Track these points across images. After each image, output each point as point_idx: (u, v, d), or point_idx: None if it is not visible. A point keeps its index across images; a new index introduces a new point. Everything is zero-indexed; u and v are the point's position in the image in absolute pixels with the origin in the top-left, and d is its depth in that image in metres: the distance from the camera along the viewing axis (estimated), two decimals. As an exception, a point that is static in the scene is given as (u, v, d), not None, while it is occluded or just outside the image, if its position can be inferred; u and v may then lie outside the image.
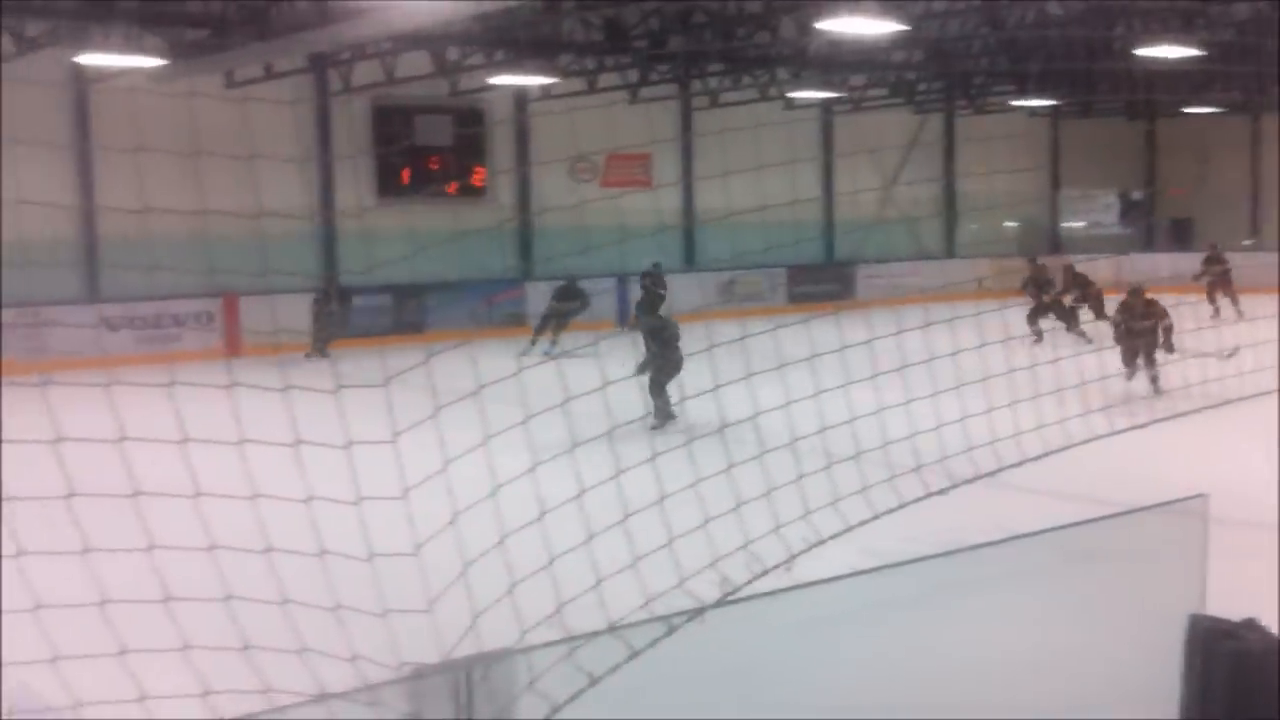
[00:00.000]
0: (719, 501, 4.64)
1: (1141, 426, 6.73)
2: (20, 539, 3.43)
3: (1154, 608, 5.00)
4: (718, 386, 4.80)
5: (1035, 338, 19.16)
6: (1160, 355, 15.67)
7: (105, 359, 18.78)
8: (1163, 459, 10.69)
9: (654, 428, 13.71)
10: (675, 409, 13.77)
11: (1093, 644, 5.24)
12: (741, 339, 5.16)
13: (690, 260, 27.52)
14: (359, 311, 22.78)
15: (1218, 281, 23.21)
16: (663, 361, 14.20)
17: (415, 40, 20.29)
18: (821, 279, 28.55)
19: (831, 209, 29.40)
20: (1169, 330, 15.73)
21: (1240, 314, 21.26)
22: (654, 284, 22.15)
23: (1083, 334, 19.56)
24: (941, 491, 5.18)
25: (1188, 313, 18.10)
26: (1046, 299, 20.60)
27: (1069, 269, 21.84)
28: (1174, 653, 4.85)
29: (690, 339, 13.48)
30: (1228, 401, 7.18)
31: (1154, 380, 15.29)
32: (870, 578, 5.05)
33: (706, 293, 25.25)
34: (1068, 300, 20.75)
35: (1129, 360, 15.66)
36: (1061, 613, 5.24)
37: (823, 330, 5.63)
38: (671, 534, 4.32)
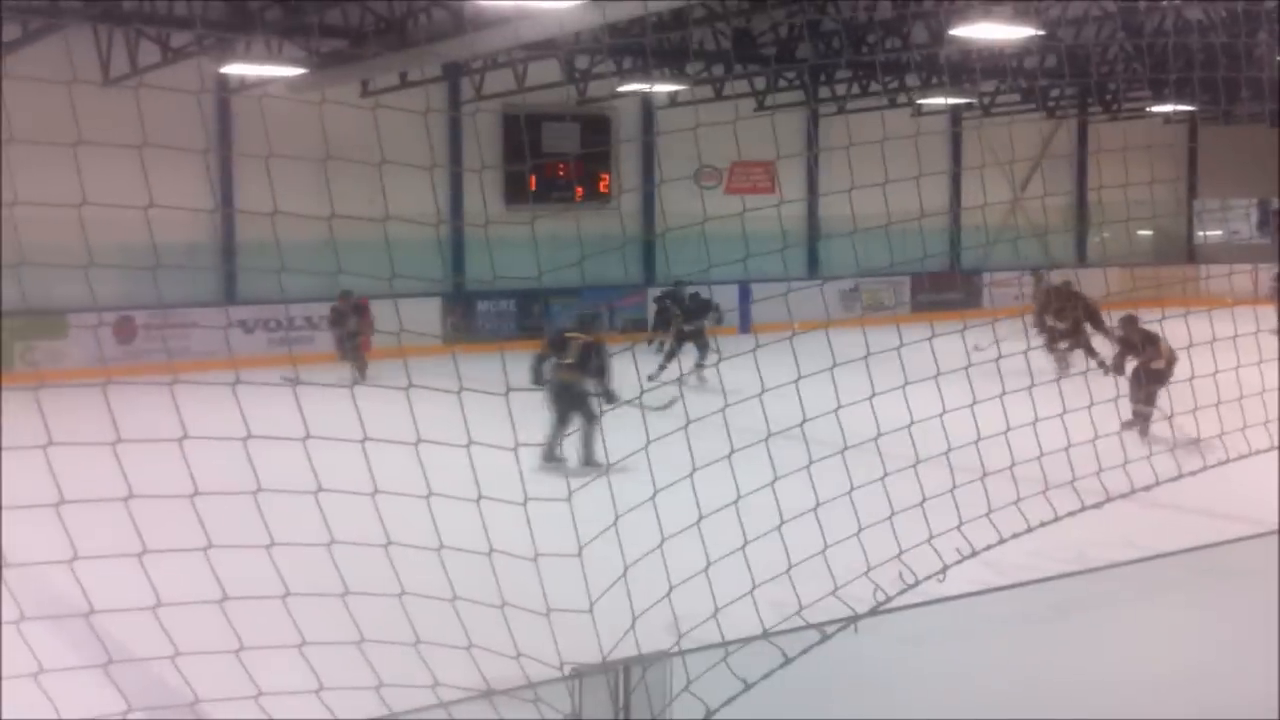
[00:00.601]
0: (866, 514, 4.65)
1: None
2: (146, 537, 3.54)
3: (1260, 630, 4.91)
4: (839, 406, 4.80)
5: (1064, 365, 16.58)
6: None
7: (235, 360, 19.27)
8: None
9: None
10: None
11: (1228, 662, 5.16)
12: (865, 356, 5.09)
13: (813, 269, 27.42)
14: (484, 315, 23.09)
15: None
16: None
17: (545, 49, 20.53)
18: (946, 287, 28.23)
19: (959, 217, 29.06)
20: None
21: None
22: (672, 304, 20.23)
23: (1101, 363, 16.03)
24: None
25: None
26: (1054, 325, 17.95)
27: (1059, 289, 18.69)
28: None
29: (811, 348, 13.23)
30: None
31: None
32: (1009, 593, 5.03)
33: (830, 302, 25.12)
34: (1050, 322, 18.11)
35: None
36: (1197, 630, 5.19)
37: (948, 342, 5.56)
38: (825, 543, 4.35)
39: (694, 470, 4.13)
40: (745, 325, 24.14)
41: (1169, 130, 32.20)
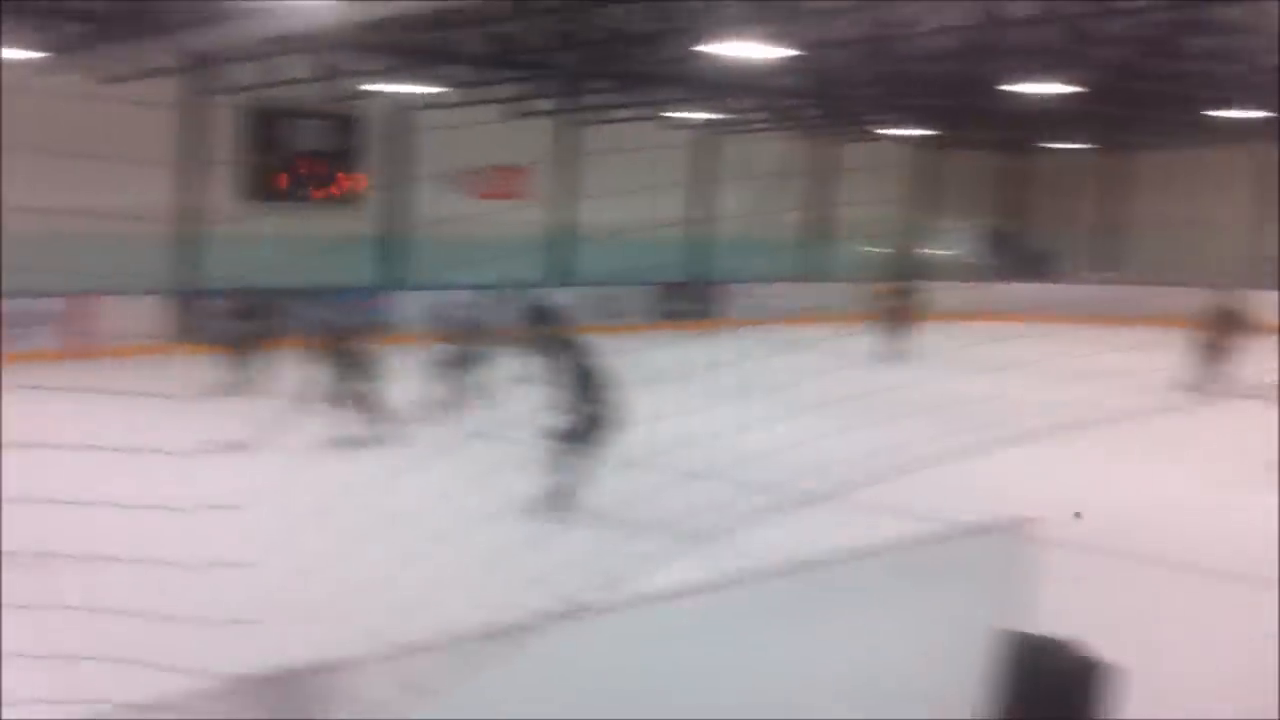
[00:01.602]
0: (565, 517, 4.74)
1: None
2: None
3: (980, 626, 5.23)
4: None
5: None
6: None
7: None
8: (1001, 479, 10.86)
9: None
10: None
11: (921, 661, 5.45)
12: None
13: (567, 276, 27.63)
14: (212, 315, 22.40)
15: None
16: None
17: (297, 44, 20.08)
18: (692, 298, 28.87)
19: (707, 229, 29.81)
20: None
21: None
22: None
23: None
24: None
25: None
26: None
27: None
28: (995, 669, 5.08)
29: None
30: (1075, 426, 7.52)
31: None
32: (713, 594, 5.20)
33: (581, 308, 25.33)
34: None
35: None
36: (892, 630, 5.45)
37: (686, 349, 5.76)
38: (510, 547, 4.42)
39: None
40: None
41: (908, 152, 33.80)
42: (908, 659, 5.74)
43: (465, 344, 16.63)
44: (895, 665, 5.70)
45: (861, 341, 19.79)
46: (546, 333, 16.58)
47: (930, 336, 20.60)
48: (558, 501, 8.60)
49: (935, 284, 31.83)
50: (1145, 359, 15.14)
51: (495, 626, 4.27)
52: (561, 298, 18.58)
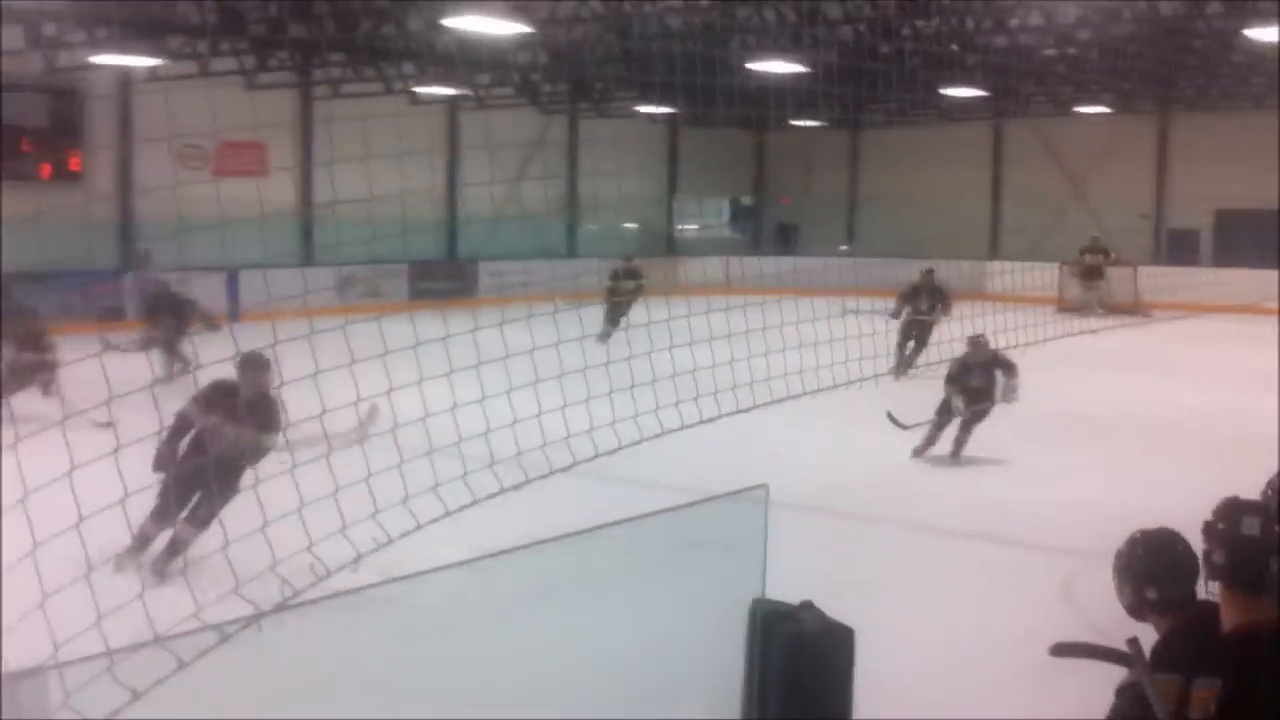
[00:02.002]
0: (277, 507, 4.49)
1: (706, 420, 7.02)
2: None
3: (722, 593, 5.23)
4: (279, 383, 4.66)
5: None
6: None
7: None
8: (733, 448, 10.99)
9: None
10: None
11: (664, 630, 5.43)
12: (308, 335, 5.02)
13: (308, 254, 26.83)
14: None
15: None
16: None
17: (7, 13, 18.81)
18: (444, 276, 28.52)
19: (455, 205, 29.47)
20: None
21: None
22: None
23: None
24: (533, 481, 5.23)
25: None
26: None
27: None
28: (740, 636, 5.09)
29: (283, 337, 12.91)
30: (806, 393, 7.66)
31: None
32: (463, 571, 5.02)
33: (327, 289, 24.63)
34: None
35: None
36: (638, 600, 5.40)
37: (431, 325, 5.58)
38: (237, 534, 4.17)
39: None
40: (235, 313, 23.17)
41: (653, 129, 34.15)
42: (658, 632, 5.70)
43: (171, 327, 16.16)
44: (648, 638, 5.65)
45: (606, 314, 19.84)
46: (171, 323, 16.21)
47: (671, 310, 20.70)
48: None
49: (683, 258, 32.43)
50: (882, 330, 15.69)
51: (194, 626, 3.99)
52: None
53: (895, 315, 18.71)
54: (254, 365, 7.69)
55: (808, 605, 4.90)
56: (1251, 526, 3.23)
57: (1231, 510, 3.34)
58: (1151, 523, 4.21)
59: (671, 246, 35.29)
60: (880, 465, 12.09)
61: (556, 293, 19.32)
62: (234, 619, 4.02)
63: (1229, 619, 3.21)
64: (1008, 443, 12.62)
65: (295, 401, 4.90)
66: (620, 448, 5.55)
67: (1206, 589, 3.43)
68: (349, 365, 4.92)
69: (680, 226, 36.45)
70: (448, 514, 4.81)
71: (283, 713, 4.38)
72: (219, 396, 7.97)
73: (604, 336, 18.68)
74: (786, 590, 5.08)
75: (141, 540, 7.69)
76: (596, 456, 5.44)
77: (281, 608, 4.16)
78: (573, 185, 32.51)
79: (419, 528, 4.65)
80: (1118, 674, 3.84)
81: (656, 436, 5.84)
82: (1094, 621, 6.85)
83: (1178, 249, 31.01)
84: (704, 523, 5.45)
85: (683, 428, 5.80)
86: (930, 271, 19.53)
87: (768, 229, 37.63)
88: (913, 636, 7.40)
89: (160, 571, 7.50)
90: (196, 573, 4.19)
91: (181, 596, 4.14)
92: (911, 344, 18.62)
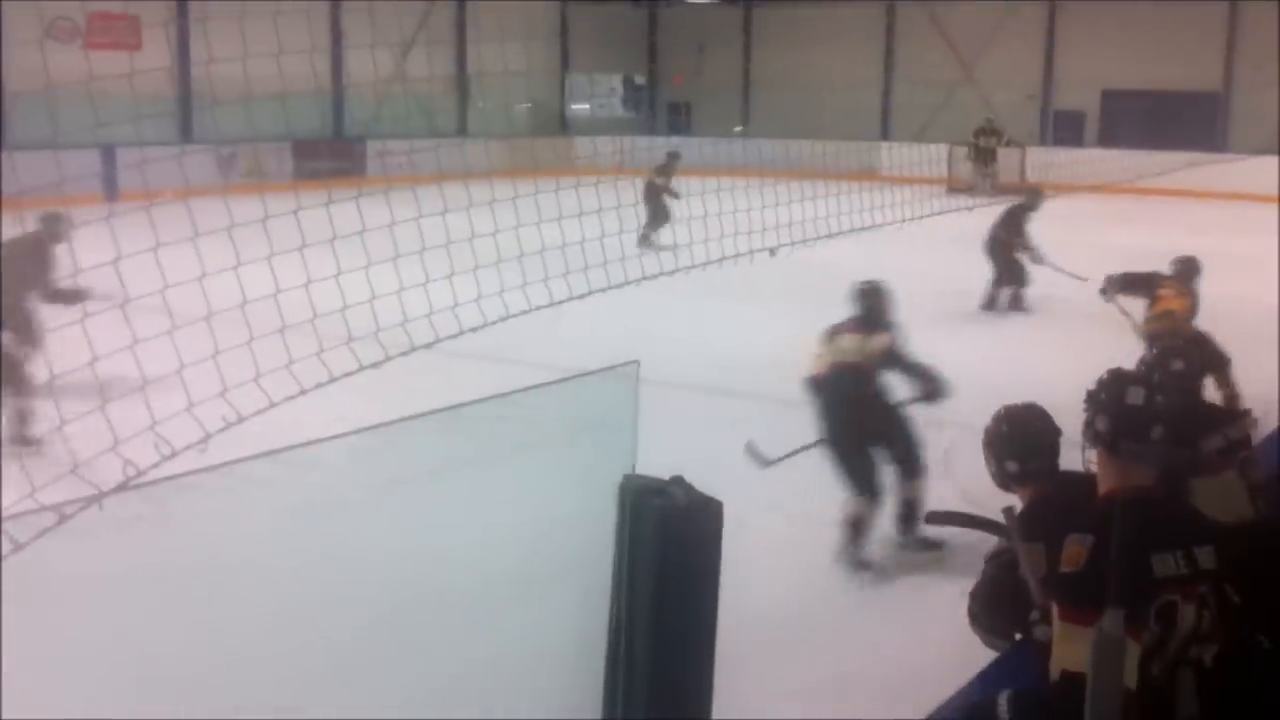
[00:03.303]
0: (122, 382, 4.31)
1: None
2: None
3: (594, 471, 5.15)
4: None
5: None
6: None
7: None
8: (607, 325, 10.84)
9: None
10: None
11: (538, 510, 5.35)
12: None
13: (187, 134, 25.99)
14: None
15: None
16: None
17: None
18: (329, 154, 27.82)
19: (341, 82, 28.66)
20: None
21: None
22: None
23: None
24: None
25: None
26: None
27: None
28: (611, 513, 5.03)
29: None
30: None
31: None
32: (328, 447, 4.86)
33: (207, 169, 23.90)
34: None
35: None
36: (505, 479, 5.29)
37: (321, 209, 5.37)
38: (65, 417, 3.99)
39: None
40: (113, 193, 22.41)
41: (545, 8, 33.42)
42: (529, 511, 5.62)
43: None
44: (518, 517, 5.58)
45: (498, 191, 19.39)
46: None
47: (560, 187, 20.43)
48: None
49: (576, 138, 31.98)
50: (764, 209, 15.57)
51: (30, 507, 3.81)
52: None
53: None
54: None
55: (678, 480, 4.85)
56: (1135, 396, 3.30)
57: (1115, 380, 3.40)
58: (1028, 396, 4.23)
59: (564, 126, 34.82)
60: (760, 342, 12.12)
61: (447, 174, 18.94)
62: (74, 499, 3.85)
63: (1105, 484, 3.28)
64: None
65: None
66: (486, 324, 5.41)
67: (1085, 457, 3.47)
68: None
69: (573, 105, 35.92)
70: (303, 392, 4.64)
71: (128, 596, 4.25)
72: None
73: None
74: (660, 467, 5.03)
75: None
76: (460, 334, 5.29)
77: (123, 488, 4.00)
78: (461, 62, 31.77)
79: (272, 406, 4.49)
80: (992, 542, 3.88)
81: (524, 313, 5.70)
82: (969, 491, 6.95)
83: (1064, 129, 31.34)
84: (574, 400, 5.34)
85: (552, 304, 5.67)
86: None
87: (660, 109, 37.27)
88: (786, 508, 7.47)
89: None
90: (32, 454, 4.00)
91: (16, 477, 3.95)
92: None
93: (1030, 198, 14.55)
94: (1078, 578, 3.03)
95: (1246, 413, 4.93)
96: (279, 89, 6.14)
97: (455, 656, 5.12)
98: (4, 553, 3.55)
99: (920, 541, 7.13)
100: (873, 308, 7.80)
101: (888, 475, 7.23)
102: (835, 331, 7.69)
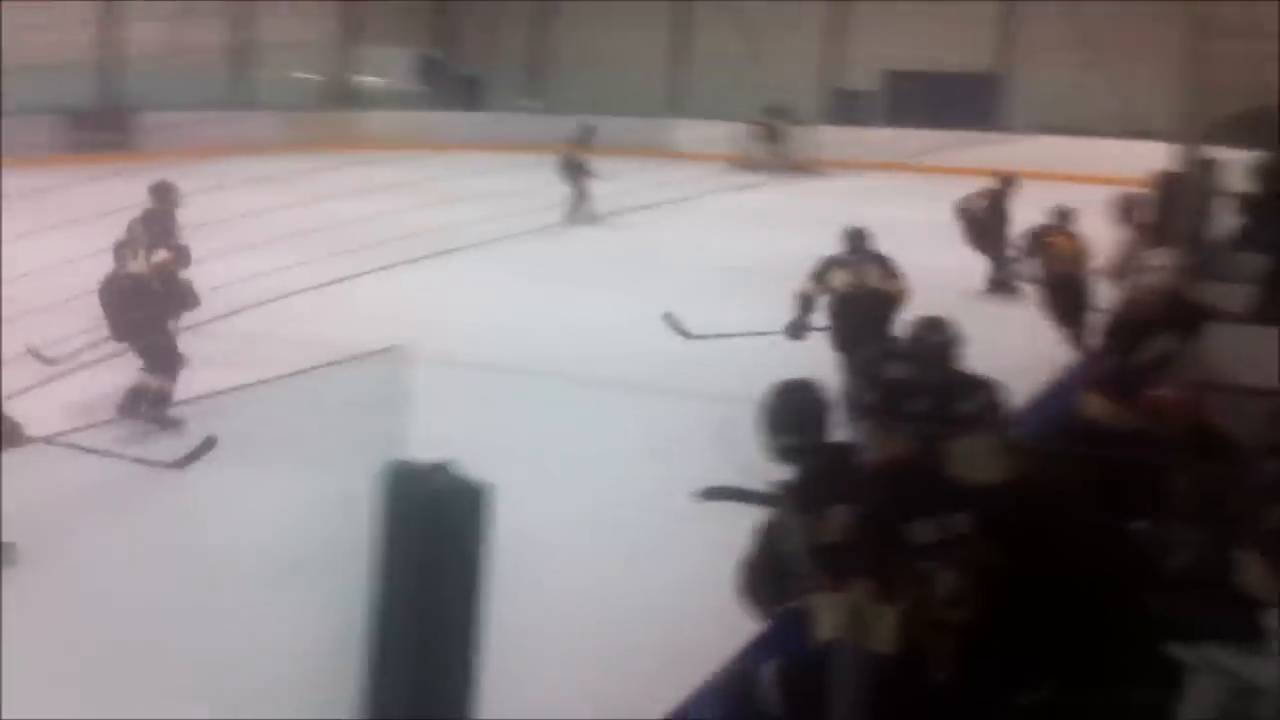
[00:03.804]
0: None
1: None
2: None
3: (361, 457, 4.99)
4: None
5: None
6: None
7: None
8: (381, 304, 10.41)
9: None
10: None
11: (302, 495, 5.19)
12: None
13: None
14: None
15: None
16: None
17: None
18: (100, 126, 26.50)
19: (115, 51, 27.38)
20: None
21: None
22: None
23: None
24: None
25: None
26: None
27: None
28: (381, 500, 4.88)
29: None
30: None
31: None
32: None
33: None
34: None
35: None
36: (268, 467, 5.13)
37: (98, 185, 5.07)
38: None
39: None
40: None
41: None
42: (294, 500, 5.45)
43: None
44: (282, 506, 5.41)
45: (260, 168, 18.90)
46: None
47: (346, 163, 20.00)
48: None
49: (366, 112, 31.30)
50: (546, 184, 15.53)
51: None
52: None
53: None
54: None
55: (443, 464, 4.76)
56: (895, 369, 3.38)
57: (879, 355, 3.48)
58: (806, 367, 4.28)
59: (353, 99, 34.02)
60: (539, 321, 12.04)
61: (224, 145, 18.18)
62: None
63: (870, 455, 3.33)
64: (672, 300, 12.83)
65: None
66: (262, 303, 5.23)
67: (853, 428, 3.52)
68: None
69: (362, 78, 35.09)
70: (49, 380, 4.41)
71: None
72: None
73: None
74: (430, 451, 4.91)
75: None
76: (230, 314, 5.10)
77: None
78: (243, 32, 30.70)
79: (26, 390, 4.25)
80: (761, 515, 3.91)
81: (299, 292, 5.53)
82: (749, 465, 7.02)
83: (850, 109, 32.11)
84: (342, 384, 5.21)
85: (329, 283, 5.52)
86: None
87: (453, 84, 36.74)
88: (554, 493, 7.43)
89: None
90: None
91: None
92: None
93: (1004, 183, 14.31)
94: (840, 547, 3.07)
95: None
96: (52, 59, 5.75)
97: (210, 653, 4.94)
98: None
99: None
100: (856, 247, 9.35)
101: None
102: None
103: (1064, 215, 11.63)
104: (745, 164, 27.42)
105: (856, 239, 9.56)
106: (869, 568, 2.94)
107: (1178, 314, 6.40)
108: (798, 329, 9.37)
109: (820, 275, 9.32)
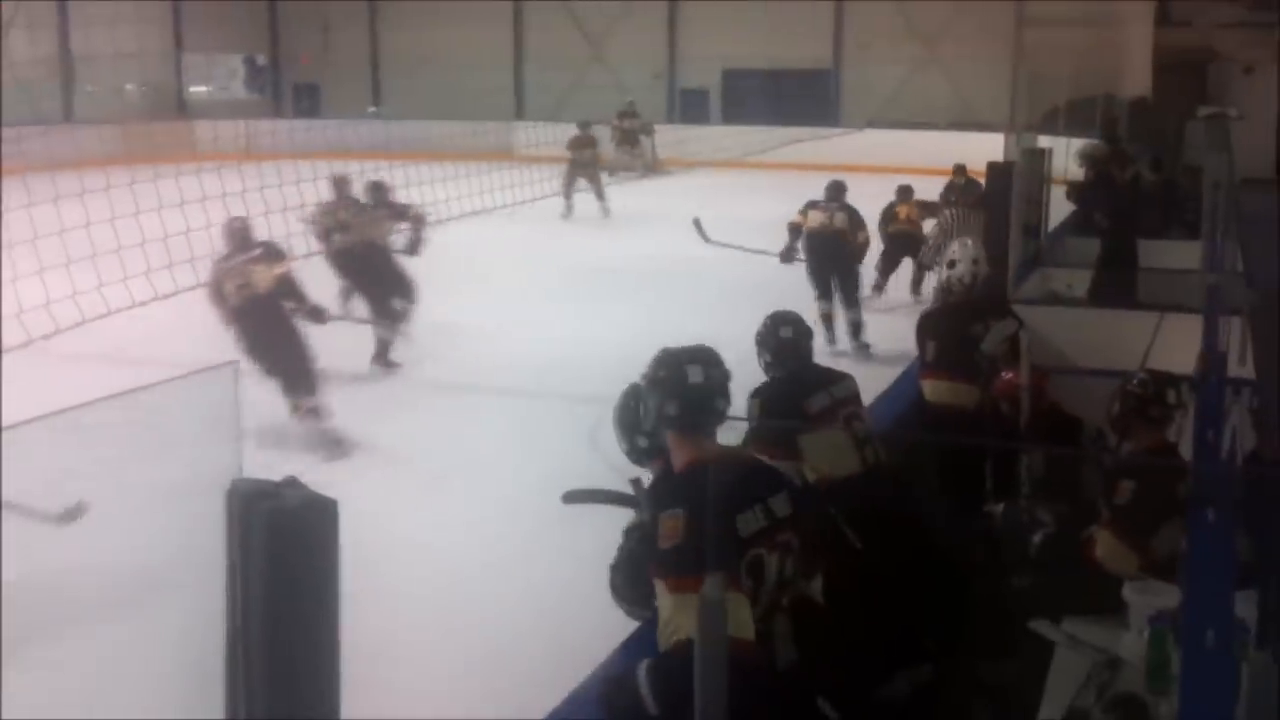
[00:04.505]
0: None
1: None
2: None
3: (197, 477, 4.84)
4: None
5: None
6: None
7: None
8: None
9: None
10: None
11: (142, 522, 4.99)
12: None
13: None
14: None
15: None
16: None
17: None
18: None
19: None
20: None
21: None
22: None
23: None
24: None
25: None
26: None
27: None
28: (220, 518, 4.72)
29: None
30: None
31: None
32: None
33: None
34: None
35: None
36: (106, 493, 4.92)
37: None
38: None
39: None
40: None
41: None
42: (136, 524, 5.25)
43: None
44: (126, 531, 5.20)
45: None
46: None
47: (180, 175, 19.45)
48: None
49: (196, 121, 30.44)
50: (406, 189, 15.27)
51: None
52: None
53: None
54: None
55: (290, 480, 4.62)
56: (696, 374, 3.37)
57: (674, 359, 3.45)
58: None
59: (183, 108, 33.08)
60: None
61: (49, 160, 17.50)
62: None
63: (679, 460, 3.35)
64: (534, 302, 12.75)
65: None
66: (83, 322, 5.00)
67: (661, 438, 3.50)
68: None
69: (191, 87, 34.13)
70: None
71: None
72: None
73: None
74: (268, 468, 4.78)
75: None
76: (56, 333, 4.87)
77: None
78: (64, 44, 29.64)
79: None
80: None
81: (127, 309, 5.31)
82: (619, 465, 6.98)
83: (690, 107, 32.36)
84: (172, 403, 5.01)
85: (154, 299, 5.32)
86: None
87: (286, 90, 35.99)
88: (423, 500, 7.31)
89: None
90: None
91: None
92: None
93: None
94: (676, 550, 3.09)
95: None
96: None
97: (73, 669, 4.74)
98: None
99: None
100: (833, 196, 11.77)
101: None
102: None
103: (905, 190, 14.13)
104: (603, 166, 27.18)
105: (834, 189, 11.88)
106: (706, 565, 2.96)
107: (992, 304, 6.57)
108: (789, 254, 11.87)
109: (803, 212, 11.77)
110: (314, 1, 34.54)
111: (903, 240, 13.67)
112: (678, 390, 3.33)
